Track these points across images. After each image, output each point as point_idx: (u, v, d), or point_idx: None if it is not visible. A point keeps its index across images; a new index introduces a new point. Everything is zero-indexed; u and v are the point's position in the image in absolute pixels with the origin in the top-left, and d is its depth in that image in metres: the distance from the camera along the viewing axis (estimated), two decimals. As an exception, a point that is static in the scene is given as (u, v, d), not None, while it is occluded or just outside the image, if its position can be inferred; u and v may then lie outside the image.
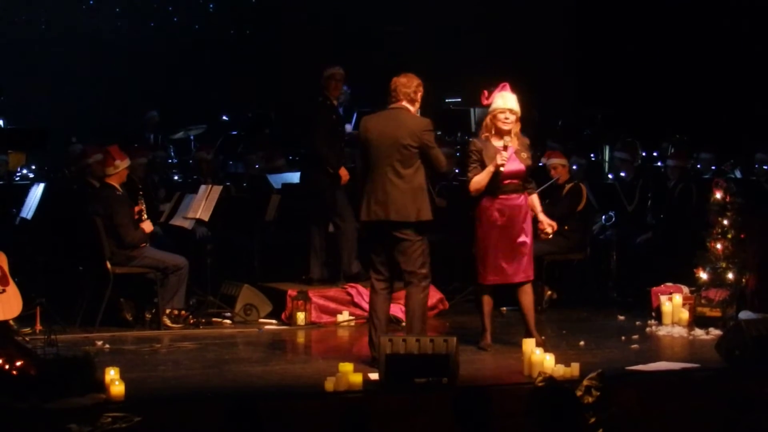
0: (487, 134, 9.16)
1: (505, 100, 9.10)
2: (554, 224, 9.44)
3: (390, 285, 8.90)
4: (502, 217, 9.11)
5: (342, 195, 10.88)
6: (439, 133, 14.24)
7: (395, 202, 8.58)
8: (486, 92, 9.16)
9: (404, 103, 8.74)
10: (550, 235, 9.47)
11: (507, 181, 9.08)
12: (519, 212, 9.14)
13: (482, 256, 9.19)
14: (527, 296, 9.24)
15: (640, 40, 16.01)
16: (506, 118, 9.08)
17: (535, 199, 9.37)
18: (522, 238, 9.14)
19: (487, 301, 9.28)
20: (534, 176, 12.06)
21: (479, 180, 9.06)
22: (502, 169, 8.98)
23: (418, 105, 8.83)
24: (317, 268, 11.07)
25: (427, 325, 8.97)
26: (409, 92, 8.72)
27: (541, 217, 9.38)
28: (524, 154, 9.16)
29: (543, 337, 9.18)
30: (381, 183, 8.63)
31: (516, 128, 9.13)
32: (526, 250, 9.16)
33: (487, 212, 9.13)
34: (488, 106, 9.17)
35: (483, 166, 9.06)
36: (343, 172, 10.82)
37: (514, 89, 9.22)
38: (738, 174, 13.61)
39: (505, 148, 9.02)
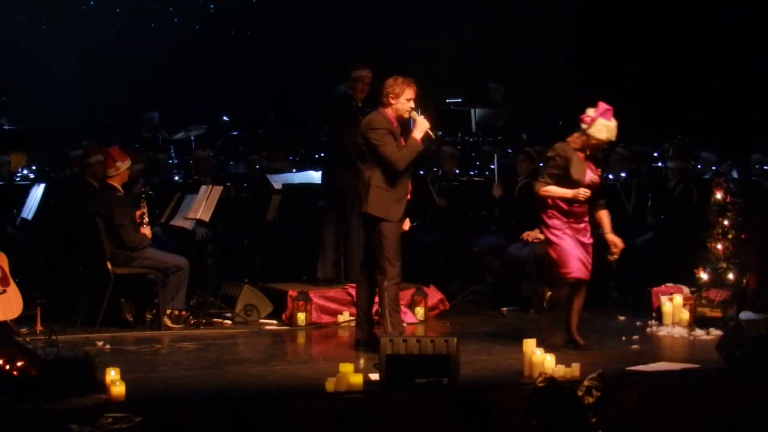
0: (576, 148, 9.12)
1: (610, 134, 9.04)
2: (621, 243, 9.42)
3: (367, 276, 9.26)
4: (570, 219, 9.12)
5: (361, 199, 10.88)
6: (439, 133, 14.25)
7: (359, 195, 9.20)
8: (588, 113, 9.06)
9: (379, 105, 9.13)
10: (617, 256, 9.45)
11: None
12: (583, 217, 9.18)
13: (562, 252, 9.12)
14: (581, 297, 9.25)
15: (641, 41, 16.01)
16: (603, 149, 9.17)
17: (604, 216, 9.35)
18: (588, 239, 9.18)
19: (570, 298, 9.19)
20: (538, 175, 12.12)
21: (555, 193, 9.09)
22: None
23: (392, 104, 9.03)
24: (328, 267, 11.05)
25: (396, 318, 9.02)
26: (380, 94, 9.12)
27: (610, 237, 9.35)
28: (599, 171, 9.20)
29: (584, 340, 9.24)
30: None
31: None
32: (590, 250, 9.19)
33: (558, 213, 9.14)
34: (584, 125, 9.06)
35: (565, 175, 9.05)
36: None
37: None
38: (735, 174, 13.62)
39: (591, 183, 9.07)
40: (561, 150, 9.15)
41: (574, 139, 9.15)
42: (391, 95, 9.00)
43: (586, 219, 9.22)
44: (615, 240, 9.35)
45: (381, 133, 8.95)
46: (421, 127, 9.03)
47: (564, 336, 9.18)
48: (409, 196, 9.13)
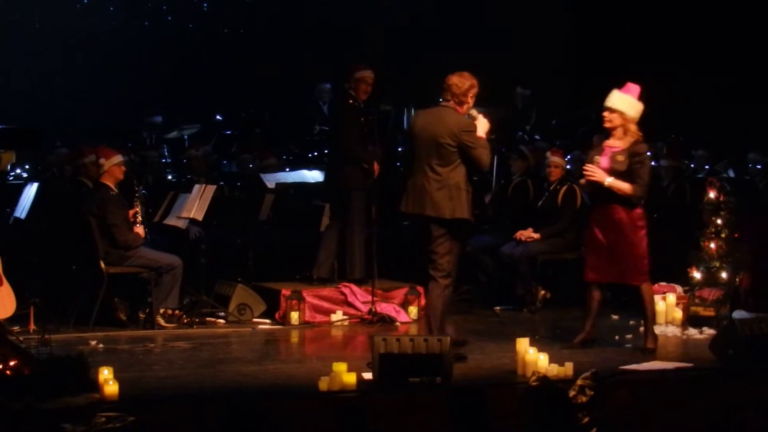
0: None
1: (608, 98, 8.91)
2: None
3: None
4: (597, 217, 9.07)
5: (362, 199, 10.87)
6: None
7: (431, 198, 8.69)
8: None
9: (452, 103, 8.77)
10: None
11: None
12: (613, 221, 8.99)
13: (586, 252, 9.25)
14: (643, 296, 9.20)
15: (636, 39, 16.02)
16: (605, 118, 8.92)
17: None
18: (617, 242, 9.01)
19: (593, 298, 9.21)
20: (532, 174, 12.12)
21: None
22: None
23: (468, 106, 8.77)
24: (323, 266, 11.04)
25: (446, 325, 8.94)
26: (458, 93, 8.73)
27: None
28: (620, 157, 8.91)
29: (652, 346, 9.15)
30: (420, 178, 8.76)
31: (627, 128, 8.92)
32: (623, 254, 9.03)
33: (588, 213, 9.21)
34: None
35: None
36: (376, 167, 10.83)
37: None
38: (731, 173, 13.63)
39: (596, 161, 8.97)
40: (594, 141, 9.22)
41: None
42: (471, 94, 8.73)
43: (608, 210, 9.01)
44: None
45: (475, 135, 8.69)
46: (483, 126, 8.79)
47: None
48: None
